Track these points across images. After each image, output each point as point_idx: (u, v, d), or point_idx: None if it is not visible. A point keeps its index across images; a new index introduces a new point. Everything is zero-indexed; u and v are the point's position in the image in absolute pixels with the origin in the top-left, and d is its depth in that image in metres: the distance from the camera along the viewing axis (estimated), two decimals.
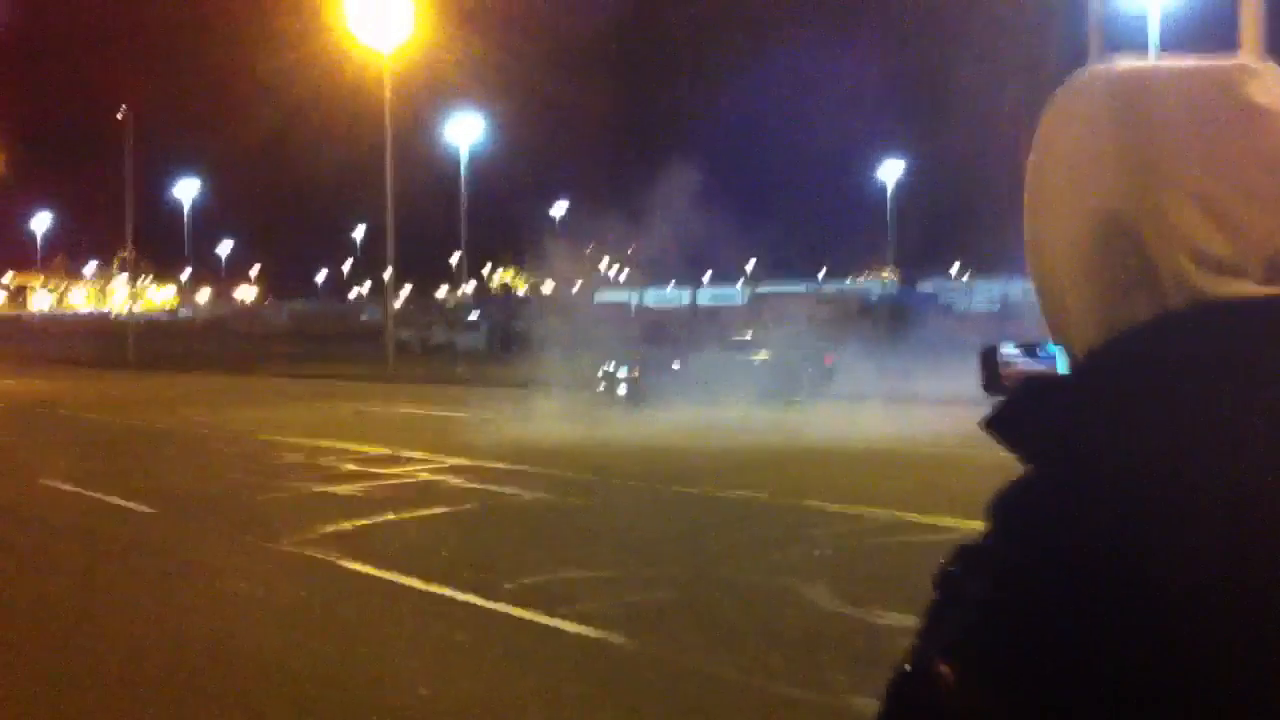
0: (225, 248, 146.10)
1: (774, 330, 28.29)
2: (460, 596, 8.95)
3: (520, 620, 8.31)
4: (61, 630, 8.34)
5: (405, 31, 42.75)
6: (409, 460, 16.70)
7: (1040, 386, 0.87)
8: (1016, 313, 54.84)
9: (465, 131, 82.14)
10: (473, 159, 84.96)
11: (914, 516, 11.55)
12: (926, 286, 75.82)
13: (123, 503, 13.46)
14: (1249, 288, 0.80)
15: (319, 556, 10.53)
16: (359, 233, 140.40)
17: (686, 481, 14.28)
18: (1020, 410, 0.85)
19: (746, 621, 8.29)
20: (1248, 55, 0.90)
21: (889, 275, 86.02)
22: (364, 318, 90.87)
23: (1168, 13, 45.34)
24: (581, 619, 8.23)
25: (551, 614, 8.37)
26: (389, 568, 9.97)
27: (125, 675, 7.27)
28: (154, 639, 8.10)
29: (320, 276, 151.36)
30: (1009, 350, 1.12)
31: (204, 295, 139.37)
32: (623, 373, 25.35)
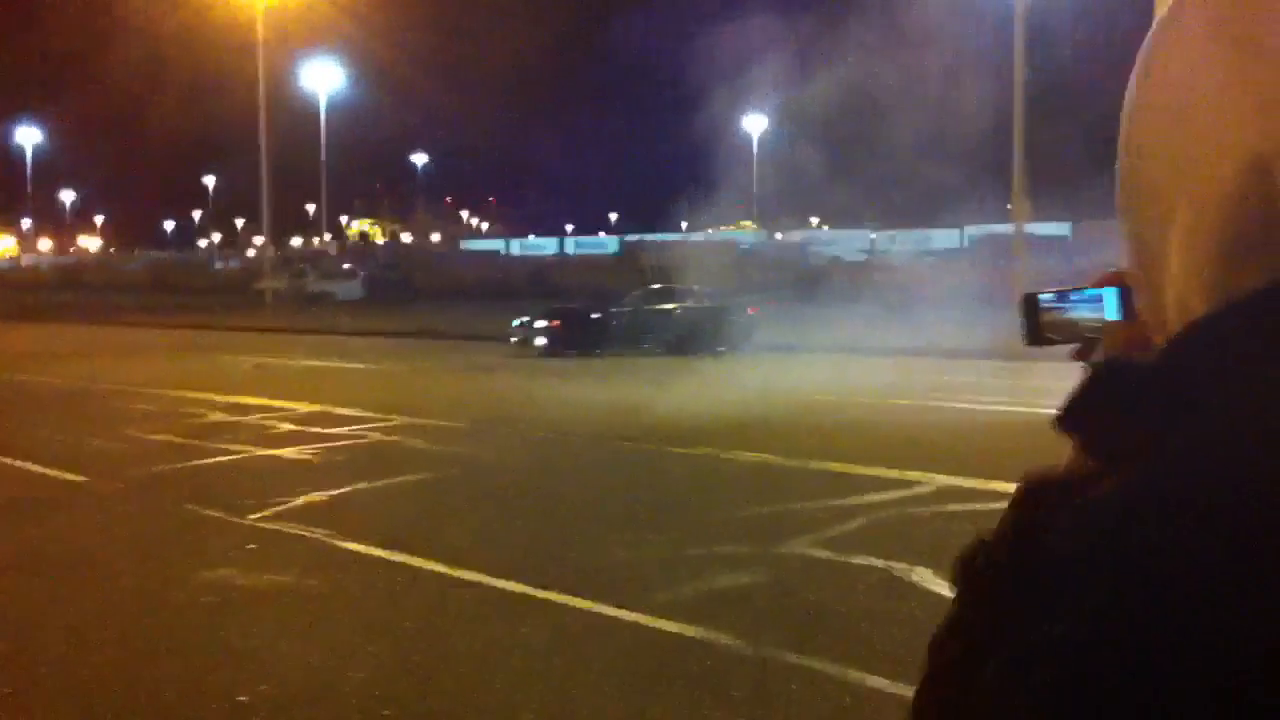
0: (68, 196, 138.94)
1: (691, 281, 27.00)
2: (503, 584, 7.49)
3: (596, 616, 6.90)
4: (26, 648, 6.65)
5: None
6: (348, 419, 15.01)
7: (1122, 371, 0.69)
8: (885, 263, 54.77)
9: (325, 79, 78.67)
10: (333, 107, 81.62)
11: (949, 479, 10.43)
12: (792, 237, 75.57)
13: (48, 471, 11.58)
14: None
15: (304, 533, 8.94)
16: (209, 182, 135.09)
17: (679, 441, 12.92)
18: (1097, 402, 0.66)
19: (852, 609, 7.02)
20: None
21: (752, 226, 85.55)
22: (218, 267, 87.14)
23: None
24: (664, 612, 6.88)
25: (627, 606, 7.00)
26: (395, 547, 8.44)
27: (127, 710, 5.68)
28: (150, 652, 6.48)
29: (169, 226, 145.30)
30: (1046, 297, 1.06)
31: (45, 245, 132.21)
32: (540, 324, 23.82)
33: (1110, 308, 0.98)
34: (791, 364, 21.94)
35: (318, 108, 76.86)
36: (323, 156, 79.05)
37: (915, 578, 7.43)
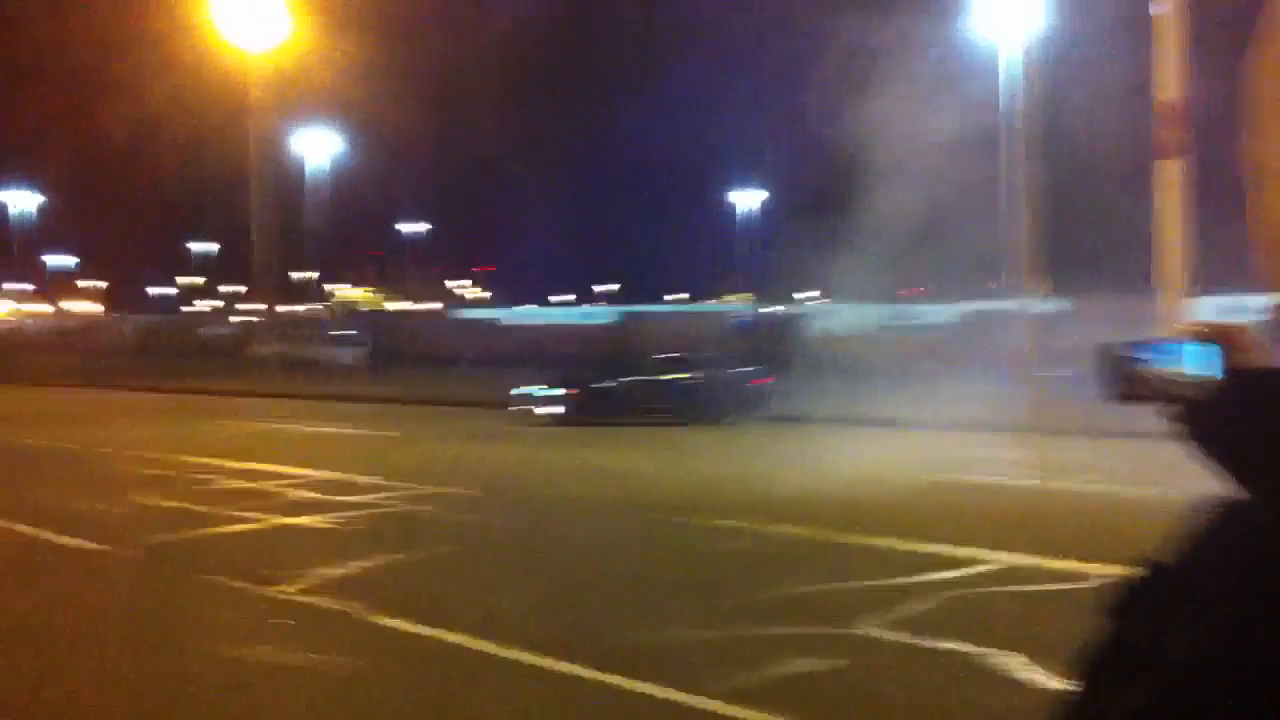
0: (57, 259, 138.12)
1: (697, 351, 26.60)
2: (556, 665, 6.95)
3: (663, 703, 6.37)
4: None
5: (277, 34, 39.89)
6: (364, 487, 14.45)
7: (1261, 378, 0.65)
8: (884, 336, 54.51)
9: (319, 146, 78.46)
10: (324, 173, 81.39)
11: (1003, 557, 9.94)
12: (778, 310, 75.45)
13: (57, 538, 11.00)
14: None
15: (340, 608, 8.38)
16: (197, 246, 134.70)
17: (710, 513, 12.39)
18: (1230, 410, 0.64)
19: (946, 703, 6.50)
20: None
21: (746, 299, 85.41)
22: (202, 332, 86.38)
23: (1030, 44, 45.45)
24: (740, 699, 6.35)
25: (697, 691, 6.47)
26: (438, 624, 7.89)
27: None
28: None
29: (158, 290, 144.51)
30: (1138, 351, 1.04)
31: (32, 306, 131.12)
32: (548, 392, 23.32)
33: (1213, 363, 0.91)
34: (805, 435, 21.46)
35: (303, 177, 76.64)
36: (311, 222, 78.70)
37: (1005, 666, 6.91)
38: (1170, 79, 25.21)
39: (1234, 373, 0.65)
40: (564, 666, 6.98)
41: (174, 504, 13.10)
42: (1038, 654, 6.99)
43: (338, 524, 11.88)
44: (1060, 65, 30.92)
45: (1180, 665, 0.56)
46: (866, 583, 9.01)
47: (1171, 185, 25.41)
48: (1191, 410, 0.68)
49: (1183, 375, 0.98)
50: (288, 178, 75.40)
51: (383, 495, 13.77)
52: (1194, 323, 0.93)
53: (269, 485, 14.59)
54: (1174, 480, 14.73)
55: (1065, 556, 9.87)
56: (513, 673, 6.93)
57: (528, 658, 7.16)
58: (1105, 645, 0.63)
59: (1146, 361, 1.01)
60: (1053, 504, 13.32)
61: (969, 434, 21.36)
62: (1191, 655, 0.55)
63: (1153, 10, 25.22)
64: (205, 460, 17.14)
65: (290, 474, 15.59)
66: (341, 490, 14.13)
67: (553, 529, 11.82)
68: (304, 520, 12.10)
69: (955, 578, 9.16)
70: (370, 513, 12.62)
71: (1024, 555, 9.94)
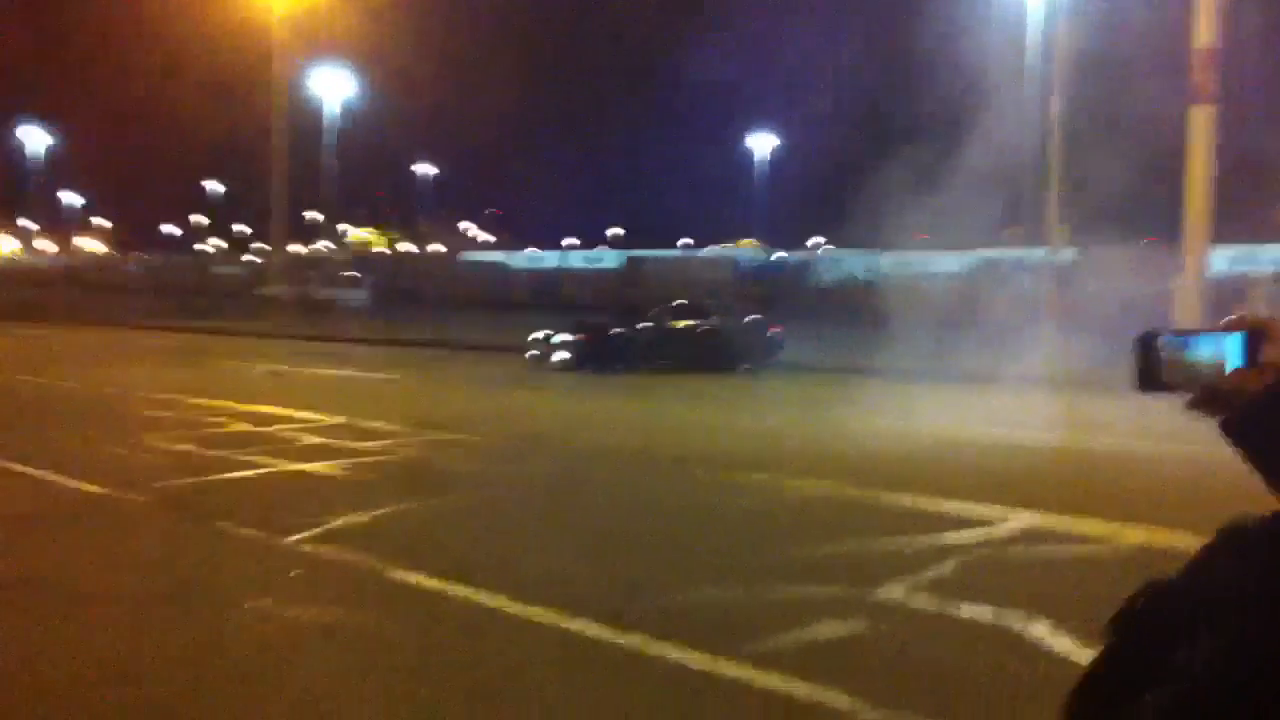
0: (70, 198, 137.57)
1: (709, 297, 26.28)
2: (581, 626, 6.71)
3: (690, 671, 6.13)
4: (51, 683, 5.86)
5: None
6: (375, 433, 14.22)
7: None
8: (889, 284, 54.07)
9: (335, 87, 77.64)
10: (337, 115, 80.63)
11: (1029, 516, 9.68)
12: (789, 256, 74.89)
13: (66, 481, 10.78)
14: None
15: (351, 558, 8.15)
16: (210, 186, 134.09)
17: (732, 465, 12.15)
18: (1271, 417, 0.63)
19: (978, 670, 6.26)
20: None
21: (755, 244, 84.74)
22: (217, 271, 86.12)
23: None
24: (767, 663, 6.11)
25: (725, 654, 6.23)
26: (454, 579, 7.64)
27: None
28: (191, 691, 5.70)
29: (170, 229, 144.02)
30: (1168, 338, 1.06)
31: (44, 245, 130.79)
32: (564, 338, 23.03)
33: (1234, 353, 0.94)
34: (820, 385, 21.23)
35: (320, 116, 75.97)
36: (331, 165, 78.06)
37: (1035, 634, 6.65)
38: (1207, 27, 24.78)
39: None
40: (581, 625, 6.75)
41: (185, 447, 12.87)
42: (1066, 620, 6.74)
43: (351, 471, 11.65)
44: (1088, 13, 30.27)
45: (1193, 680, 0.55)
46: (890, 542, 8.75)
47: (1203, 131, 25.03)
48: (1243, 418, 0.67)
49: (1205, 364, 0.98)
50: (304, 118, 74.74)
51: (396, 441, 13.53)
52: (1234, 312, 0.92)
53: (280, 429, 14.36)
54: (1196, 437, 14.50)
55: (1091, 515, 9.62)
56: (538, 634, 6.69)
57: (544, 614, 6.92)
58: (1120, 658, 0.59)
59: (1182, 351, 1.00)
60: (1077, 461, 13.07)
61: (988, 386, 21.08)
62: (1203, 672, 0.55)
63: None
64: (214, 403, 16.91)
65: (301, 418, 15.36)
66: (354, 435, 13.90)
67: (572, 480, 11.58)
68: (316, 466, 11.86)
69: (979, 537, 8.91)
70: (384, 459, 12.38)
71: (1048, 514, 9.69)
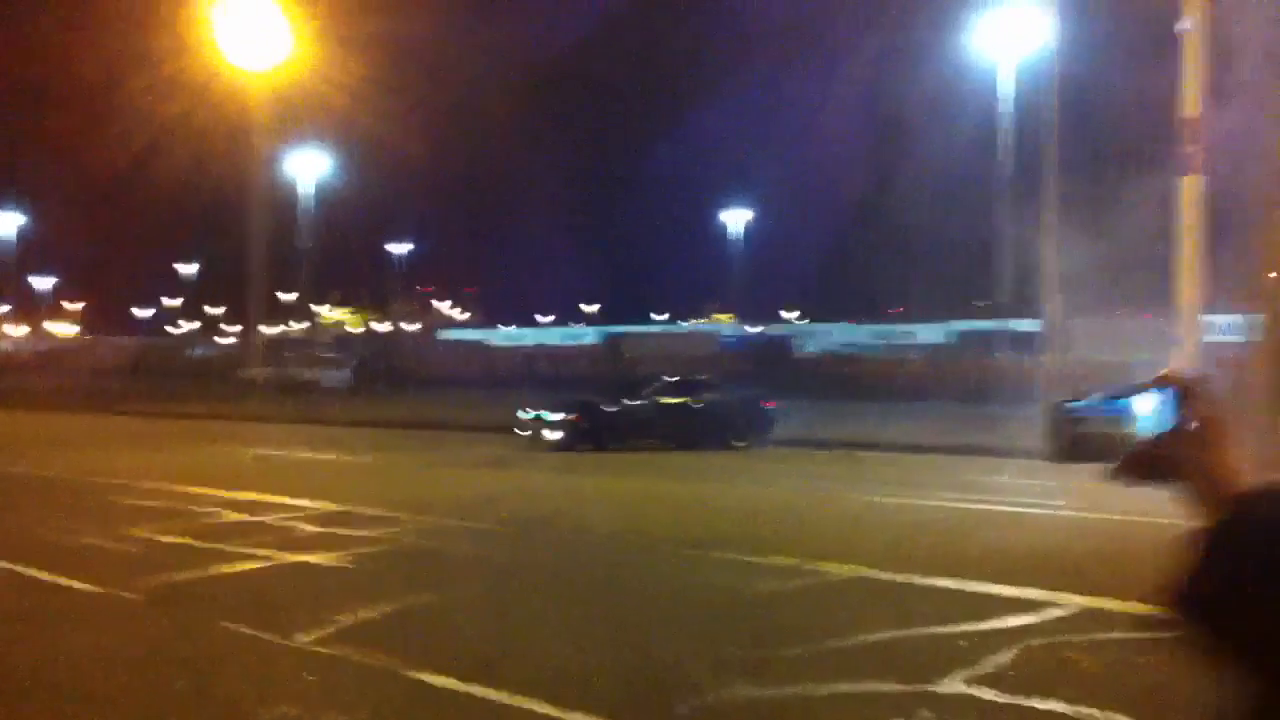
0: (39, 281, 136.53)
1: (698, 374, 25.85)
2: None
3: None
4: None
5: (276, 55, 39.15)
6: (374, 520, 13.65)
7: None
8: (873, 356, 53.96)
9: (310, 167, 77.55)
10: (312, 195, 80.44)
11: (1079, 600, 9.22)
12: (768, 330, 74.80)
13: (52, 577, 10.18)
14: None
15: (367, 661, 7.59)
16: (184, 269, 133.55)
17: (751, 549, 11.61)
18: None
19: None
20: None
21: (731, 318, 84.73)
22: (193, 353, 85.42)
23: (1022, 65, 45.10)
24: None
25: None
26: (478, 679, 7.11)
27: None
28: None
29: (142, 312, 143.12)
30: (1082, 409, 2.54)
31: (9, 328, 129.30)
32: (556, 416, 22.53)
33: (1165, 412, 0.96)
34: (820, 461, 20.79)
35: (294, 197, 75.75)
36: (307, 241, 77.68)
37: None
38: (1194, 96, 24.77)
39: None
40: None
41: (174, 539, 12.28)
42: (1144, 716, 6.29)
43: (351, 562, 11.09)
44: (1064, 83, 30.31)
45: None
46: (934, 629, 8.27)
47: (1191, 202, 24.92)
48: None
49: (1129, 432, 0.98)
50: (277, 197, 74.49)
51: (394, 529, 12.98)
52: (1159, 371, 0.93)
53: (272, 518, 13.78)
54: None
55: (1140, 599, 9.16)
56: None
57: (580, 718, 6.41)
58: None
59: (1091, 419, 2.37)
60: (1104, 536, 12.63)
61: (989, 459, 20.71)
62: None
63: (1178, 28, 24.83)
64: (202, 490, 16.31)
65: (293, 505, 14.78)
66: (350, 524, 13.34)
67: (584, 567, 11.05)
68: (314, 558, 11.30)
69: (1030, 624, 8.43)
70: (385, 549, 11.82)
71: (1094, 598, 9.22)
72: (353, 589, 9.85)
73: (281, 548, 11.77)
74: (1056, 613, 8.74)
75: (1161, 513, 13.46)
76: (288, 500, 15.24)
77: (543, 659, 7.69)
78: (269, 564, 10.97)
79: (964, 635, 8.08)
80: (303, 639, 8.14)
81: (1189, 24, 25.10)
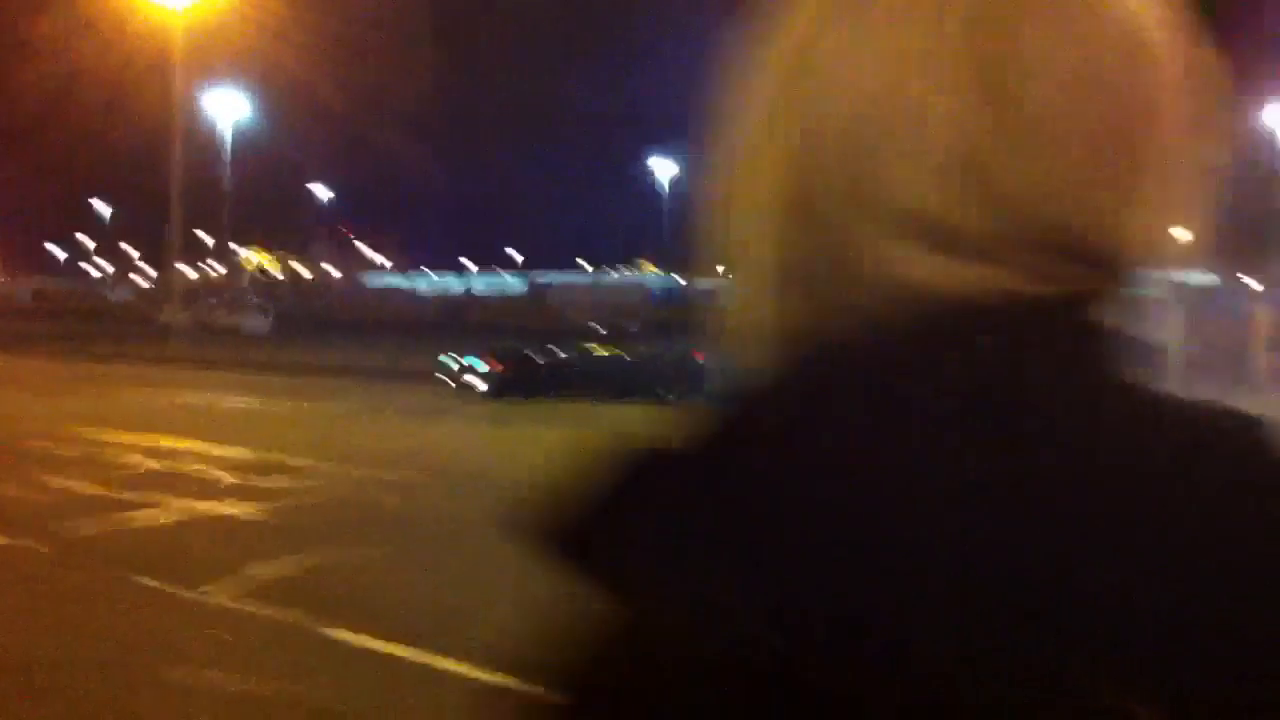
0: None
1: (627, 325, 25.63)
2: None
3: None
4: None
5: None
6: (297, 470, 13.35)
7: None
8: None
9: (230, 107, 75.94)
10: (235, 136, 78.85)
11: None
12: (690, 281, 74.62)
13: None
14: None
15: (282, 618, 7.36)
16: (101, 207, 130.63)
17: None
18: None
19: None
20: None
21: (652, 268, 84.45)
22: (111, 297, 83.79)
23: None
24: None
25: None
26: (402, 639, 6.92)
27: None
28: None
29: (55, 250, 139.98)
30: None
31: None
32: (484, 366, 22.23)
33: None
34: None
35: (216, 136, 74.20)
36: (226, 182, 76.25)
37: None
38: None
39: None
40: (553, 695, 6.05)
41: (86, 488, 11.89)
42: None
43: (273, 513, 10.81)
44: None
45: None
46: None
47: None
48: None
49: None
50: (201, 138, 72.89)
51: (316, 480, 12.69)
52: None
53: (189, 466, 13.43)
54: None
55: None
56: (495, 698, 5.98)
57: (514, 684, 6.21)
58: None
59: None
60: None
61: None
62: None
63: None
64: (119, 437, 15.86)
65: (214, 454, 14.42)
66: (268, 472, 13.03)
67: (509, 522, 10.84)
68: (229, 508, 11.00)
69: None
70: (305, 500, 11.55)
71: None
72: (269, 541, 9.60)
73: (199, 498, 11.46)
74: None
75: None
76: (202, 447, 14.88)
77: (458, 615, 7.50)
78: (186, 516, 10.66)
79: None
80: (216, 595, 7.89)
81: None
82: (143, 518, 10.44)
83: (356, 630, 7.10)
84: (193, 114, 70.37)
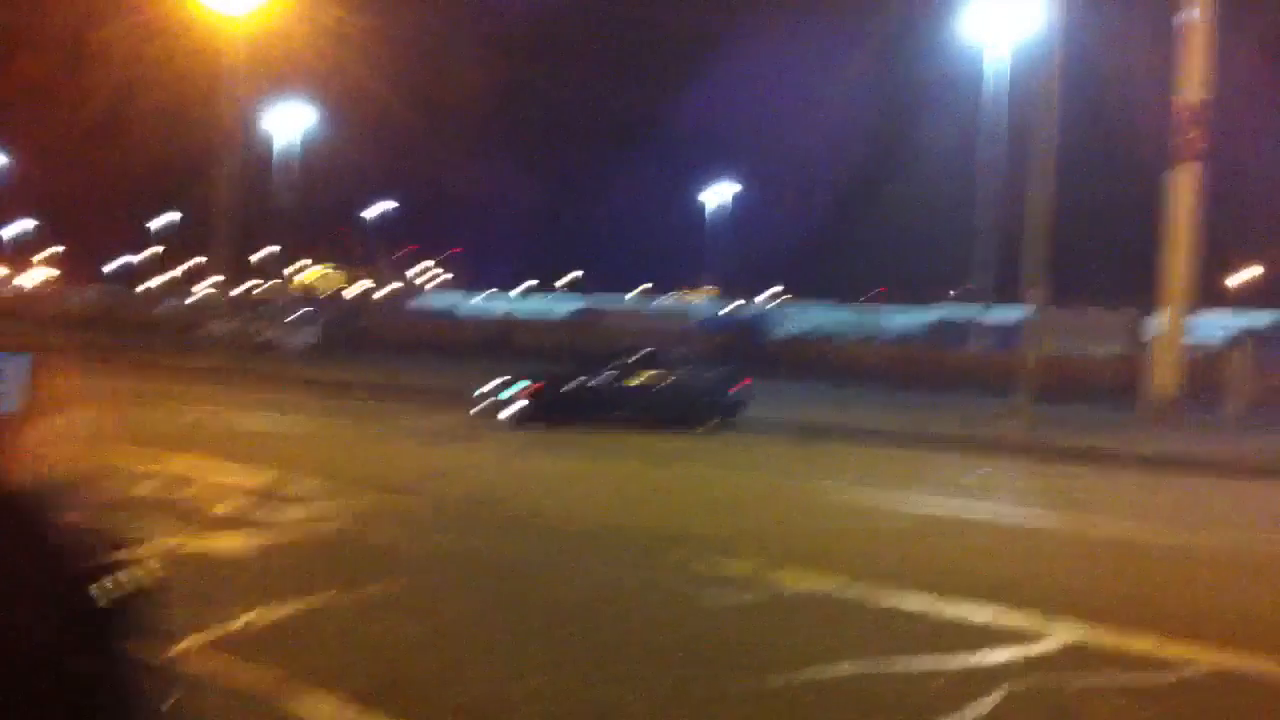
0: (16, 227, 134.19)
1: (667, 350, 24.63)
2: None
3: None
4: None
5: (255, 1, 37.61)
6: (305, 495, 12.48)
7: None
8: (851, 338, 52.93)
9: (290, 122, 75.83)
10: (293, 150, 78.73)
11: (1070, 629, 8.12)
12: (747, 306, 73.63)
13: None
14: None
15: (246, 684, 6.44)
16: (159, 219, 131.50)
17: (708, 549, 10.48)
18: None
19: None
20: None
21: (714, 292, 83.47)
22: (159, 308, 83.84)
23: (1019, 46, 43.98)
24: None
25: None
26: (383, 708, 6.00)
27: None
28: None
29: (120, 260, 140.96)
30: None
31: None
32: (515, 389, 21.33)
33: None
34: (792, 446, 19.67)
35: (278, 148, 74.17)
36: (288, 195, 76.08)
37: None
38: (1194, 83, 23.71)
39: None
40: None
41: (75, 514, 11.06)
42: None
43: (267, 548, 9.92)
44: (1050, 69, 29.17)
45: None
46: (902, 665, 7.15)
47: (1187, 189, 23.87)
48: None
49: None
50: (258, 152, 72.90)
51: (325, 506, 11.81)
52: None
53: (192, 491, 12.58)
54: (1233, 526, 13.20)
55: (1135, 630, 8.07)
56: None
57: None
58: None
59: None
60: (1092, 550, 11.57)
61: (965, 451, 19.68)
62: None
63: (1179, 18, 23.81)
64: (126, 457, 15.08)
65: (219, 476, 13.59)
66: (275, 500, 12.16)
67: (521, 563, 9.89)
68: (224, 541, 10.13)
69: (1017, 660, 7.31)
70: (308, 530, 10.66)
71: (1087, 626, 8.12)
72: (255, 581, 8.71)
73: (192, 527, 10.61)
74: (1046, 646, 7.64)
75: (1154, 528, 12.42)
76: (212, 468, 14.06)
77: (456, 679, 6.57)
78: (170, 547, 9.78)
79: (936, 674, 6.97)
80: (174, 649, 6.96)
81: (1193, 10, 24.05)
82: (124, 552, 9.57)
83: (327, 690, 6.21)
84: (254, 125, 70.46)
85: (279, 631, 7.44)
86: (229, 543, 10.07)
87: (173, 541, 9.97)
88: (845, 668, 6.99)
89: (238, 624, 7.51)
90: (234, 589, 8.42)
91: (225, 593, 8.28)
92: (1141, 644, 7.71)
